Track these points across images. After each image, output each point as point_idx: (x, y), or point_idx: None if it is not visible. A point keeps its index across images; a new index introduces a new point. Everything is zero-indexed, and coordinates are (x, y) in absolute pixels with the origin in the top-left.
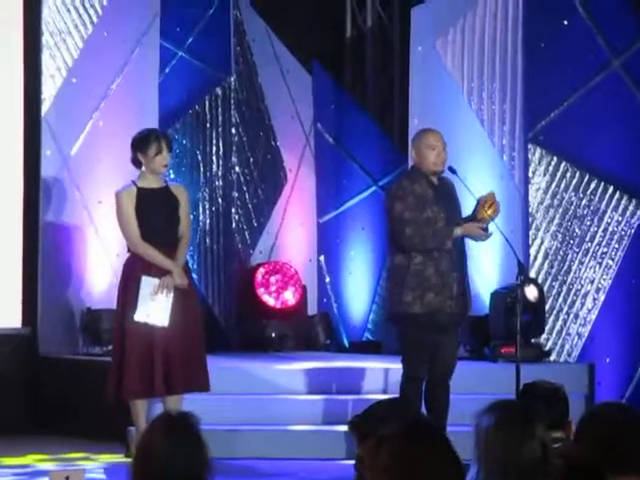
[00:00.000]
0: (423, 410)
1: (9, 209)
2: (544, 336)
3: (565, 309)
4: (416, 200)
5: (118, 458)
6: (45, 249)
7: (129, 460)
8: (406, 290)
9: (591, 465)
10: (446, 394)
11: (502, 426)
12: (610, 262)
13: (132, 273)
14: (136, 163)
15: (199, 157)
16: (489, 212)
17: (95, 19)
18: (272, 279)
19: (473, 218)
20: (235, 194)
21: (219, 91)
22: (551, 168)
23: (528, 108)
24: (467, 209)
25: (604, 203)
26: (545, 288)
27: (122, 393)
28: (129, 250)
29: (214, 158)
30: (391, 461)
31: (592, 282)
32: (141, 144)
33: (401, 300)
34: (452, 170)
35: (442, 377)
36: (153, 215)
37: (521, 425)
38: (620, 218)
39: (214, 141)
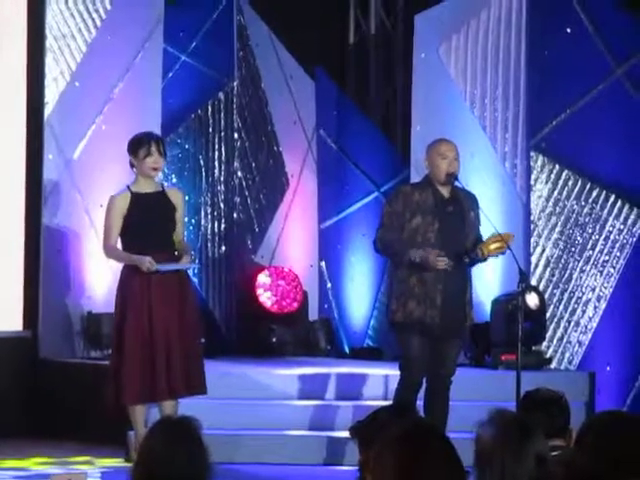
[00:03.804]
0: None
1: (11, 212)
2: (545, 344)
3: (566, 317)
4: (406, 206)
5: (118, 462)
6: (46, 252)
7: (129, 464)
8: (392, 298)
9: (591, 473)
10: (444, 403)
11: (500, 439)
12: (611, 270)
13: (129, 278)
14: (132, 167)
15: (201, 162)
16: (491, 247)
17: (99, 23)
18: (273, 284)
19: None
20: (237, 199)
21: (222, 96)
22: (553, 176)
23: (530, 115)
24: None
25: (606, 211)
26: (546, 296)
27: (123, 397)
28: None
29: (216, 163)
30: (394, 465)
31: (593, 290)
32: (132, 146)
33: (389, 308)
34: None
35: (438, 386)
36: (147, 219)
37: (519, 439)
38: (622, 226)
39: (216, 146)
